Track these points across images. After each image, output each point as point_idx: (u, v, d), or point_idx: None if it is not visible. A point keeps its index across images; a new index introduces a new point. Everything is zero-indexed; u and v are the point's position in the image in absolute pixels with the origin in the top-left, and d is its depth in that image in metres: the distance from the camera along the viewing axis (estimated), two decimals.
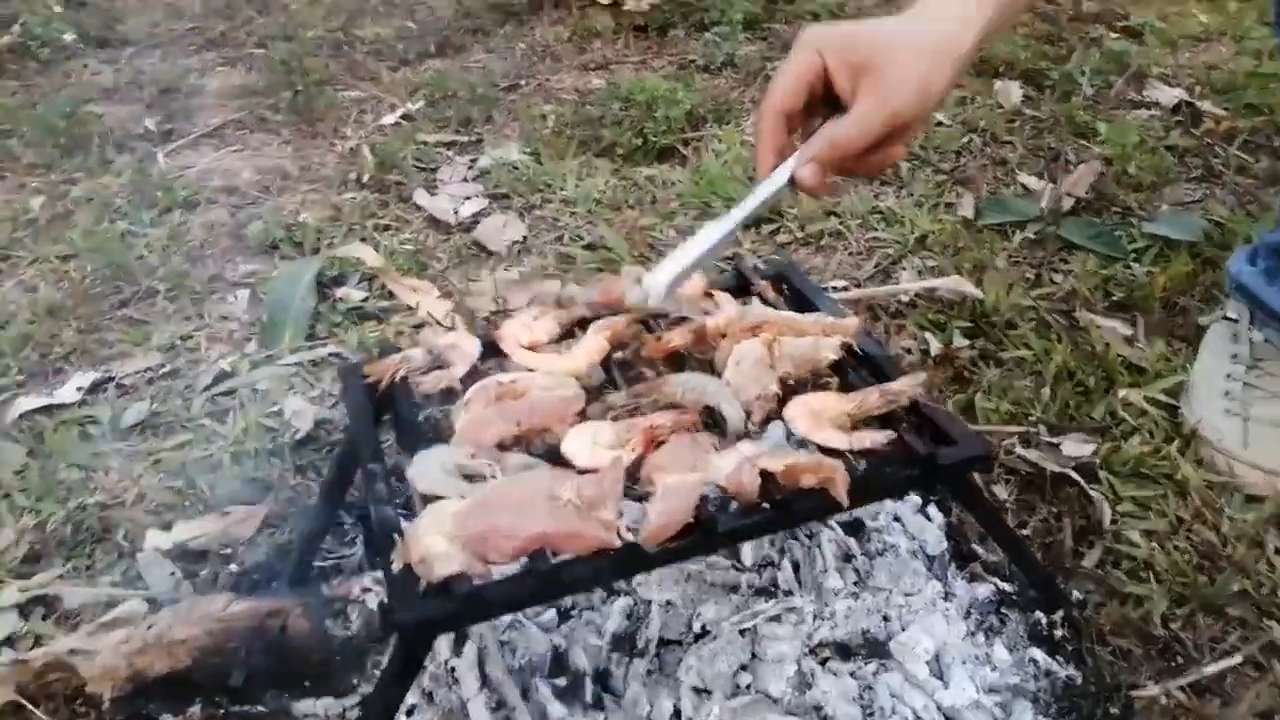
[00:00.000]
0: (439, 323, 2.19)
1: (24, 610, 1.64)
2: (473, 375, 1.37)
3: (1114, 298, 2.26)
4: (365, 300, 2.32)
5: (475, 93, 3.32)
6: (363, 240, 2.54)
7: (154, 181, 2.83)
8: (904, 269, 2.38)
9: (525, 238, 2.56)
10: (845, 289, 2.32)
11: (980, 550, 1.68)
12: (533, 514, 1.09)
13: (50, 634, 1.60)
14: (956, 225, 2.52)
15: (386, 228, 2.63)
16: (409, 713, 1.32)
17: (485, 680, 1.32)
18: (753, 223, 2.58)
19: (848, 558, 1.61)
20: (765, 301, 1.50)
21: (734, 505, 1.16)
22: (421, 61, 3.72)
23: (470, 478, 1.17)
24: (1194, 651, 1.50)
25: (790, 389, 1.32)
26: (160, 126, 3.30)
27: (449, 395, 1.35)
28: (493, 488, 1.12)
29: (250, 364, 2.12)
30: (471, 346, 1.39)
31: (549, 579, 1.07)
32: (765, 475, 1.16)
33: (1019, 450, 1.82)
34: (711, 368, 1.35)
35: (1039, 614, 1.57)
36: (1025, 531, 1.72)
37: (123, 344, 2.22)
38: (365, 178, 2.85)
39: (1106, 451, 1.81)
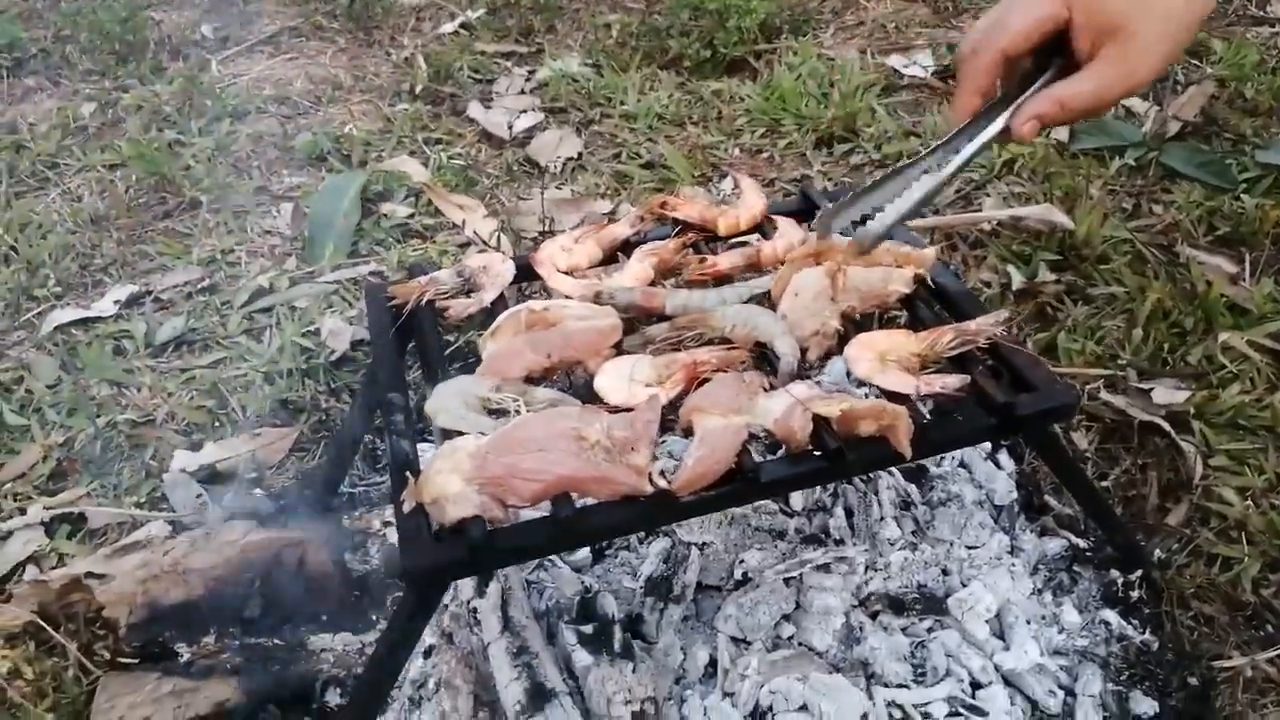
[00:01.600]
0: (484, 241, 2.08)
1: (49, 528, 1.60)
2: (504, 301, 1.26)
3: (1219, 232, 2.05)
4: (411, 217, 2.21)
5: (538, 0, 3.16)
6: (412, 154, 2.43)
7: (205, 90, 2.75)
8: (988, 195, 2.19)
9: (580, 154, 2.42)
10: (921, 216, 2.14)
11: (1054, 502, 1.55)
12: (557, 455, 0.98)
13: (74, 553, 1.57)
14: (1049, 149, 2.31)
15: (437, 141, 2.51)
16: (426, 654, 1.24)
17: (508, 623, 1.24)
18: (824, 142, 2.41)
19: (906, 505, 1.49)
20: None
21: (781, 452, 1.04)
22: None
23: (494, 412, 1.06)
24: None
25: (854, 325, 1.18)
26: (217, 33, 3.21)
27: (479, 321, 1.24)
28: (515, 425, 1.02)
29: (290, 281, 2.05)
30: (505, 269, 1.28)
31: (571, 526, 0.97)
32: (819, 420, 1.03)
33: (1104, 395, 1.66)
34: (769, 301, 1.22)
35: (1115, 573, 1.44)
36: (1106, 484, 1.57)
37: (163, 257, 2.16)
38: (419, 89, 2.73)
39: (1202, 400, 1.65)
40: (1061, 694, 1.28)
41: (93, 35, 3.10)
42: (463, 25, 3.12)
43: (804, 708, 1.23)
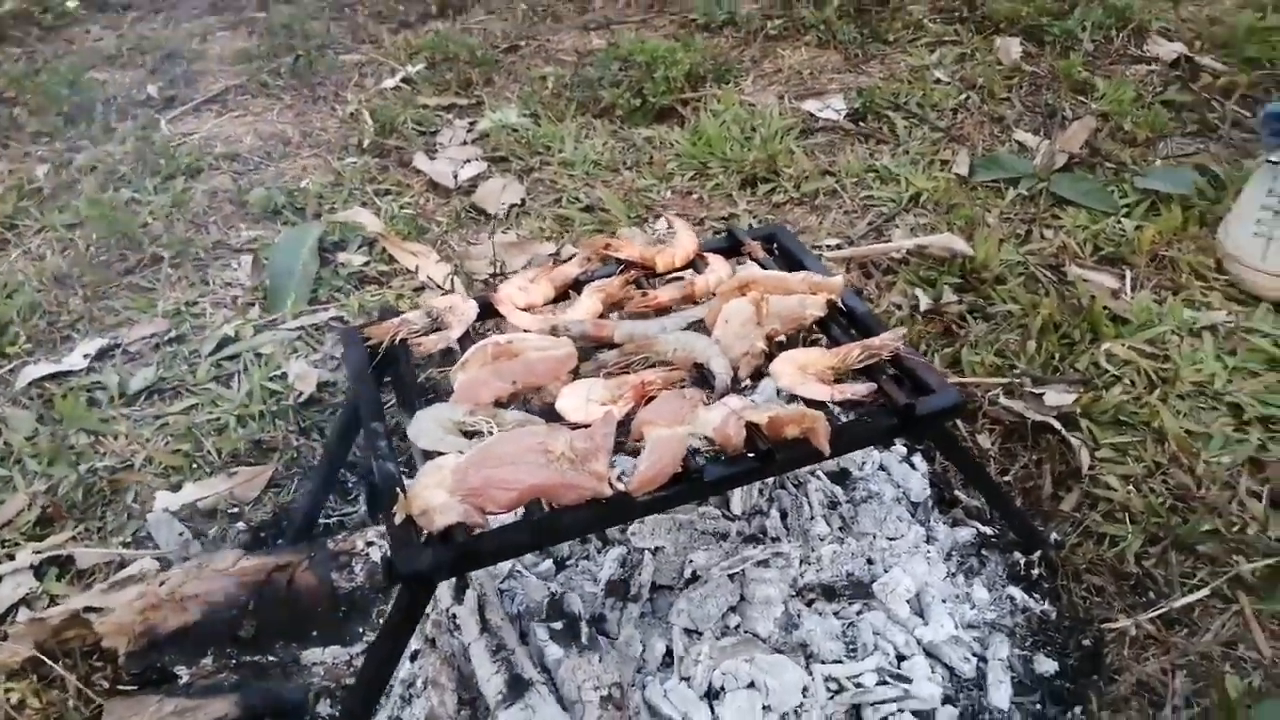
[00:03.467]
0: (439, 285, 2.23)
1: (39, 571, 1.70)
2: (469, 337, 1.42)
3: (1103, 252, 2.29)
4: (366, 264, 2.36)
5: (475, 55, 3.34)
6: (363, 205, 2.58)
7: (157, 149, 2.86)
8: (897, 226, 2.41)
9: (524, 200, 2.59)
10: (838, 247, 2.35)
11: (962, 496, 1.74)
12: (528, 467, 1.14)
13: (64, 593, 1.66)
14: (951, 182, 2.54)
15: (387, 192, 2.66)
16: (412, 657, 1.38)
17: (485, 625, 1.38)
18: (749, 182, 2.61)
19: (833, 505, 1.67)
20: (755, 261, 1.54)
21: (721, 456, 1.21)
22: (422, 23, 3.74)
23: (468, 434, 1.22)
24: (1164, 587, 1.55)
25: (778, 345, 1.36)
26: (163, 93, 3.33)
27: (447, 356, 1.39)
28: (489, 443, 1.17)
29: (254, 329, 2.17)
30: (468, 309, 1.44)
31: (544, 527, 1.13)
32: (751, 427, 1.20)
33: (1003, 401, 1.87)
34: (703, 328, 1.40)
35: (1017, 555, 1.63)
36: (1007, 478, 1.77)
37: (128, 311, 2.26)
38: (365, 143, 2.88)
39: (1088, 401, 1.86)
40: (975, 660, 1.47)
41: (39, 98, 3.19)
42: (404, 80, 3.28)
43: (751, 684, 1.40)
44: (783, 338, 1.37)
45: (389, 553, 1.19)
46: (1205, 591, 1.53)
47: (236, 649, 1.46)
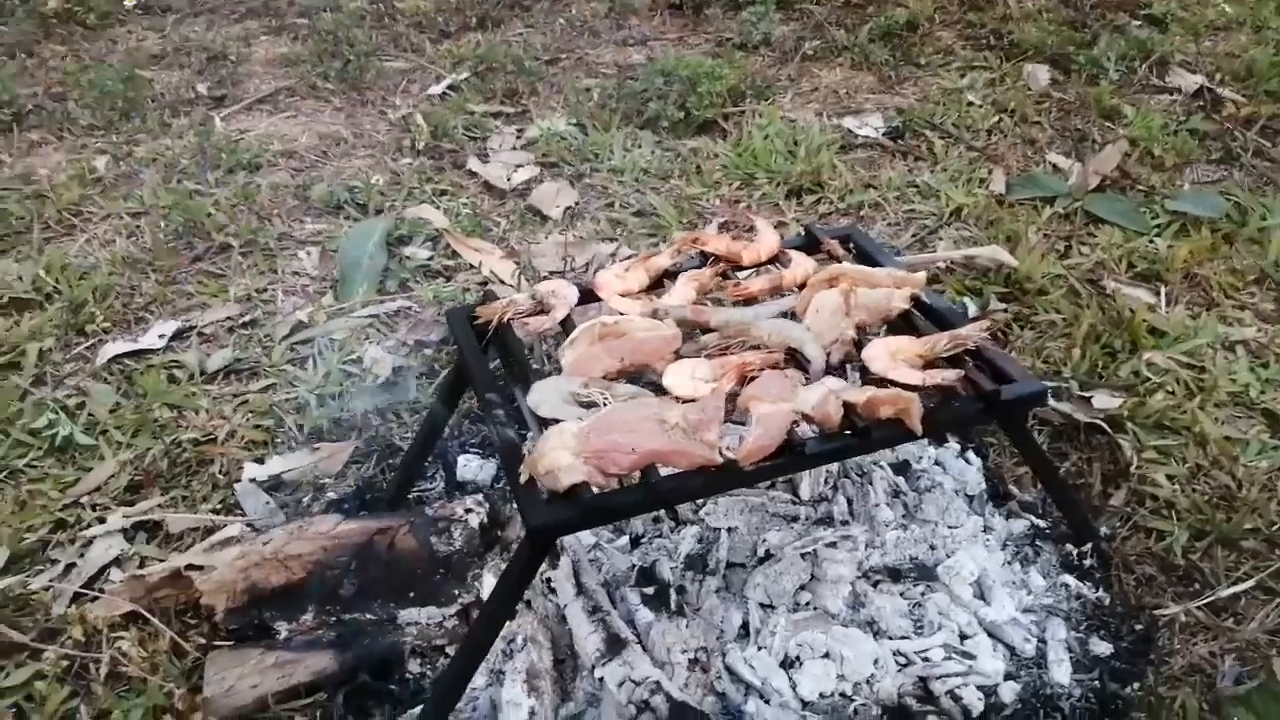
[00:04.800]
0: (504, 281, 2.32)
1: (128, 534, 1.77)
2: (570, 319, 1.50)
3: (1138, 269, 2.39)
4: (430, 259, 2.44)
5: (519, 65, 3.44)
6: (422, 204, 2.66)
7: (215, 144, 2.95)
8: (940, 239, 2.51)
9: (577, 203, 2.68)
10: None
11: (1015, 490, 1.83)
12: (645, 434, 1.22)
13: (154, 555, 1.73)
14: (989, 199, 2.65)
15: (444, 192, 2.75)
16: (511, 616, 1.45)
17: (581, 589, 1.46)
18: (794, 193, 2.71)
19: (897, 494, 1.75)
20: (834, 258, 1.63)
21: (819, 432, 1.30)
22: (462, 34, 3.83)
23: (584, 404, 1.30)
24: (1210, 578, 1.64)
25: (864, 335, 1.45)
26: (212, 91, 3.42)
27: (549, 336, 1.48)
28: (608, 411, 1.26)
29: (326, 315, 2.25)
30: (570, 292, 1.53)
31: (660, 489, 1.21)
32: (848, 406, 1.29)
33: (1052, 404, 1.96)
34: (794, 317, 1.49)
35: (1070, 546, 1.72)
36: (1059, 475, 1.85)
37: (201, 295, 2.34)
38: (420, 144, 2.97)
39: (1132, 406, 1.95)
40: (1034, 641, 1.55)
41: (91, 94, 3.27)
42: (450, 87, 3.38)
43: (826, 655, 1.48)
44: (868, 329, 1.45)
45: (515, 508, 1.27)
46: (1251, 583, 1.62)
47: (336, 607, 1.53)
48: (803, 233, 1.74)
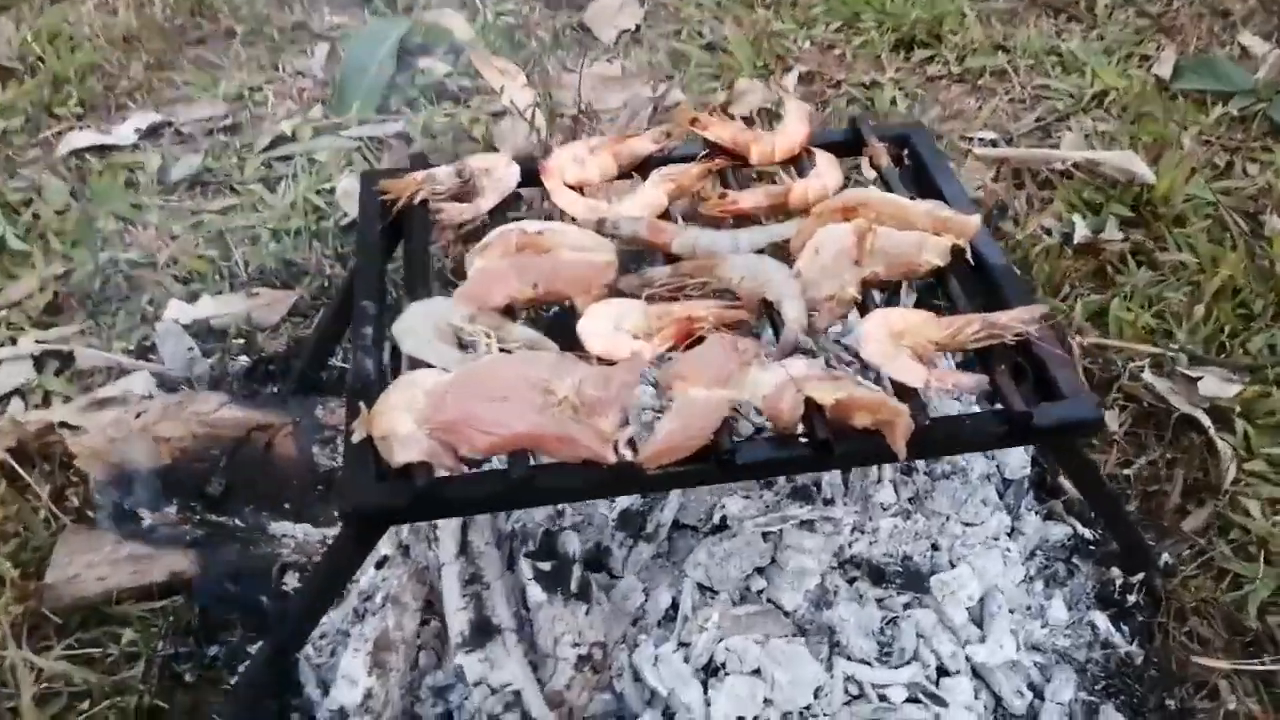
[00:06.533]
0: (520, 113, 1.96)
1: (38, 362, 1.58)
2: (504, 210, 1.17)
3: None
4: (448, 75, 2.09)
5: None
6: (462, 4, 2.27)
7: None
8: (1069, 129, 2.01)
9: (638, 26, 2.25)
10: (994, 143, 1.98)
11: (1066, 485, 1.45)
12: (519, 408, 0.91)
13: (61, 390, 1.55)
14: (1146, 84, 2.10)
15: None
16: (379, 564, 1.21)
17: (465, 547, 1.19)
18: (903, 44, 2.21)
19: (908, 471, 1.40)
20: (876, 169, 1.23)
21: (766, 432, 0.96)
22: None
23: (463, 345, 0.99)
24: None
25: (878, 291, 1.08)
26: None
27: (472, 230, 1.15)
28: (481, 365, 0.95)
29: (313, 130, 1.96)
30: (508, 174, 1.18)
31: (524, 486, 0.91)
32: (811, 403, 0.94)
33: (1147, 376, 1.54)
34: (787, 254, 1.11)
35: (1115, 572, 1.36)
36: (1128, 471, 1.47)
37: (189, 87, 2.07)
38: None
39: (1252, 395, 1.52)
40: (1030, 695, 1.23)
41: None
42: None
43: (757, 671, 1.19)
44: (883, 284, 1.07)
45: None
46: None
47: (203, 504, 1.32)
48: (850, 123, 1.32)
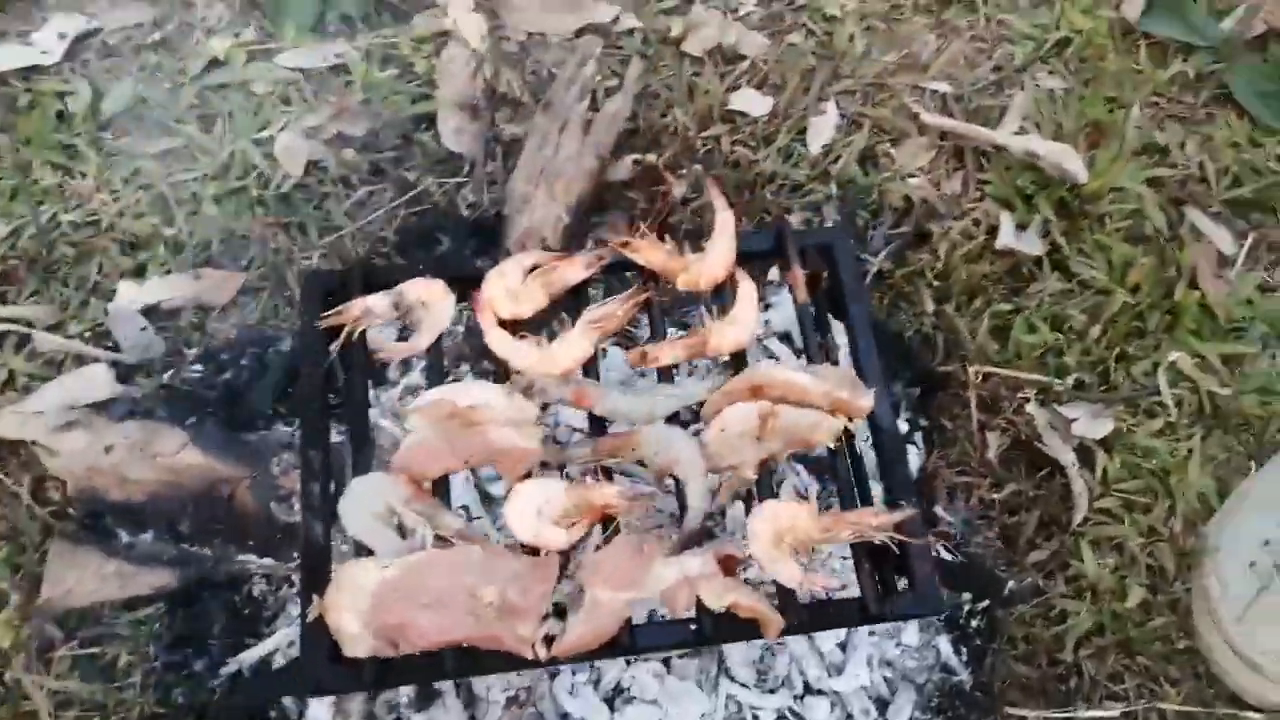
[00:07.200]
0: (465, 41, 1.88)
1: None
2: (439, 345, 1.24)
3: (1243, 189, 1.91)
4: None
5: None
6: None
7: None
8: (1021, 86, 1.99)
9: None
10: (944, 99, 1.96)
11: (942, 513, 1.66)
12: (452, 616, 1.07)
13: (24, 371, 1.63)
14: (1112, 28, 2.05)
15: None
16: None
17: None
18: None
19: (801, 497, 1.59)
20: (794, 297, 1.30)
21: (661, 614, 1.14)
22: None
23: (401, 531, 1.13)
24: (1086, 686, 1.54)
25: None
26: None
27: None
28: (416, 568, 1.09)
29: (246, 54, 1.87)
30: (444, 308, 1.24)
31: (463, 664, 1.10)
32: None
33: (1030, 408, 1.69)
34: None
35: (966, 597, 1.60)
36: (995, 496, 1.66)
37: None
38: None
39: (1119, 432, 1.67)
40: (875, 713, 1.51)
41: None
42: None
43: (655, 702, 1.46)
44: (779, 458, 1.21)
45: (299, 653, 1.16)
46: (1116, 712, 1.53)
47: (175, 537, 1.48)
48: (775, 231, 1.36)
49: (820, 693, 1.51)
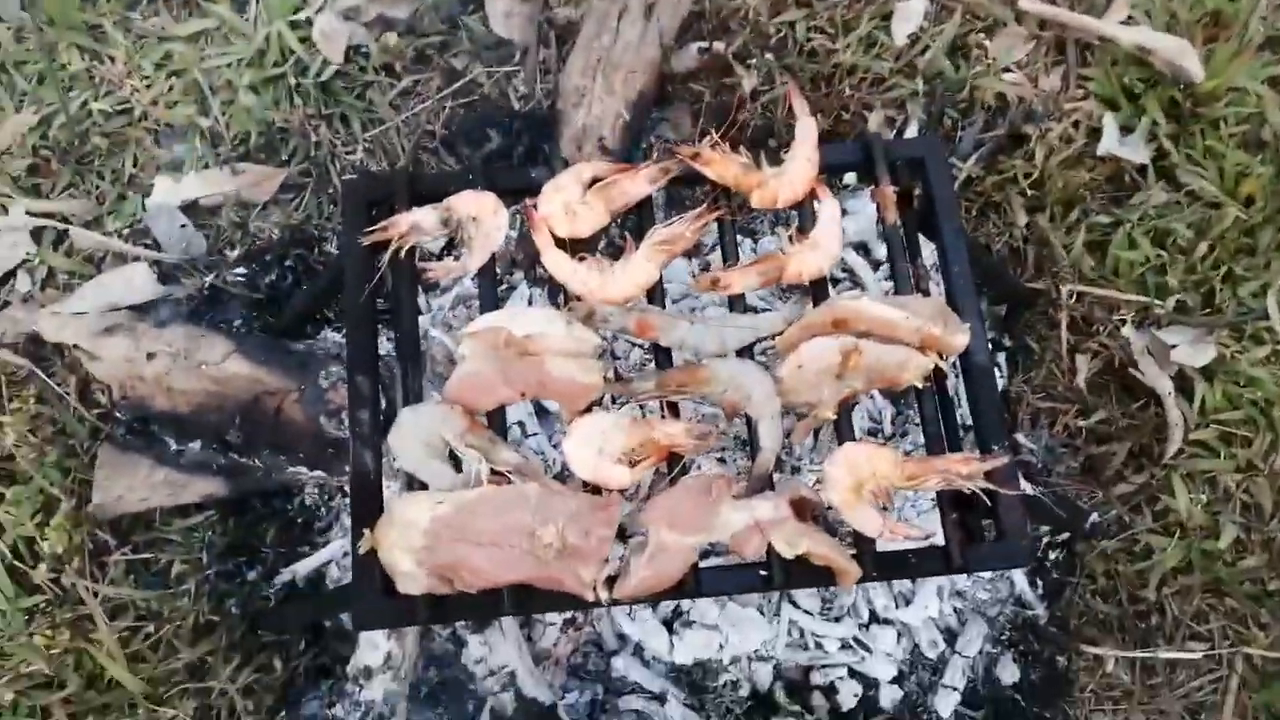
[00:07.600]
0: None
1: (36, 234, 1.58)
2: (492, 265, 1.14)
3: None
4: None
5: None
6: None
7: None
8: None
9: None
10: None
11: (1021, 437, 1.56)
12: (508, 557, 1.01)
13: (64, 268, 1.57)
14: None
15: None
16: None
17: None
18: None
19: (875, 432, 1.51)
20: (882, 217, 1.18)
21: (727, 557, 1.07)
22: None
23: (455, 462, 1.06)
24: (1169, 626, 1.47)
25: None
26: None
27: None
28: (471, 506, 1.02)
29: None
30: (496, 225, 1.14)
31: (521, 602, 1.04)
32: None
33: (1126, 331, 1.57)
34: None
35: (1045, 529, 1.52)
36: (1083, 424, 1.56)
37: None
38: None
39: (1221, 360, 1.55)
40: (943, 645, 1.45)
41: None
42: None
43: (716, 626, 1.41)
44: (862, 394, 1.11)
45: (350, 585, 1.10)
46: (1198, 654, 1.45)
47: (223, 446, 1.43)
48: (861, 142, 1.23)
49: (887, 622, 1.45)
